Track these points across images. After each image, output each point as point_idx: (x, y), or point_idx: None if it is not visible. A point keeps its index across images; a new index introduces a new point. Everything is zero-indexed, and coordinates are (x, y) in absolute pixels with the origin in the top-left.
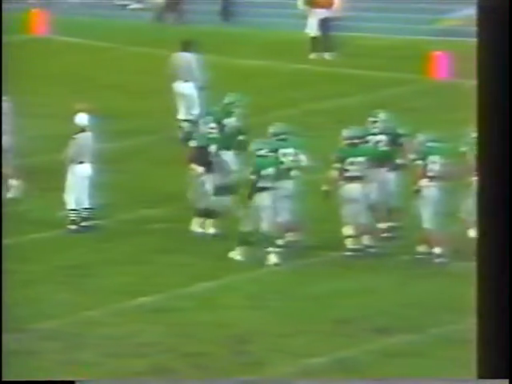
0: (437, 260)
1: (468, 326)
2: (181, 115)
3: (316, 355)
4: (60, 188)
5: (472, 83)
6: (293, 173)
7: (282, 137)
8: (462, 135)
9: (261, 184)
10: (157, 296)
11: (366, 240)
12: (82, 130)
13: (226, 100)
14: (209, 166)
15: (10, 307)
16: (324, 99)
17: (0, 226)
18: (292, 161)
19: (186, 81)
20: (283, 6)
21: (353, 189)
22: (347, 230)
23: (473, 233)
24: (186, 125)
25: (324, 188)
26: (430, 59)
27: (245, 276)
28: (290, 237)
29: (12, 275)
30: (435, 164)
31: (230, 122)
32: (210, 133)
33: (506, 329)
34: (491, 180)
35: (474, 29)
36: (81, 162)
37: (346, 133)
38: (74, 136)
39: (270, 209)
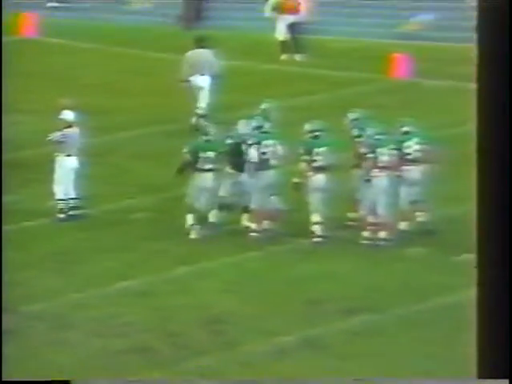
0: (381, 243)
1: (423, 307)
2: (198, 106)
3: (287, 334)
4: (47, 180)
5: (429, 82)
6: (272, 163)
7: (264, 129)
8: (417, 129)
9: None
10: (138, 280)
11: (331, 227)
12: (69, 125)
13: (263, 106)
14: (242, 166)
15: (1, 290)
16: (294, 97)
17: (0, 226)
18: (271, 152)
19: (203, 74)
20: (254, 10)
21: (319, 179)
22: (314, 218)
23: (420, 217)
24: (201, 115)
25: (295, 180)
26: (391, 60)
27: (221, 261)
28: (267, 225)
29: (4, 261)
30: (384, 155)
31: (267, 126)
32: (248, 135)
33: (506, 329)
34: (491, 179)
35: (430, 33)
36: (68, 155)
37: (308, 126)
38: (61, 130)
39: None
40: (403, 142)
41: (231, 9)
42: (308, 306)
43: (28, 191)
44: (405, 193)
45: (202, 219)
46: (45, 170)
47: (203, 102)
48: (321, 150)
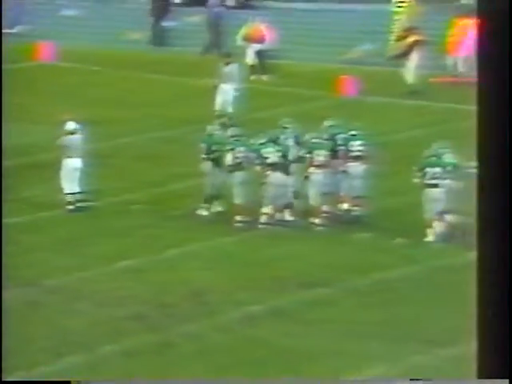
0: (318, 229)
1: (366, 281)
2: (219, 109)
3: (257, 304)
4: (59, 178)
5: (371, 99)
6: (243, 165)
7: (237, 138)
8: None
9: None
10: (135, 260)
11: (284, 215)
12: (71, 133)
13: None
14: (287, 171)
15: (20, 268)
16: (262, 110)
17: (0, 224)
18: (243, 156)
19: (230, 84)
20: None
21: (273, 176)
22: (265, 209)
23: (347, 206)
24: (222, 117)
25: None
26: (339, 81)
27: (204, 245)
28: (245, 215)
29: (22, 245)
30: (320, 156)
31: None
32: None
33: (506, 329)
34: (491, 177)
35: (370, 59)
36: (70, 157)
37: (230, 131)
38: (64, 137)
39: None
40: (349, 141)
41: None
42: (274, 281)
43: (44, 187)
44: (348, 185)
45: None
46: (57, 170)
47: (227, 106)
48: (269, 150)
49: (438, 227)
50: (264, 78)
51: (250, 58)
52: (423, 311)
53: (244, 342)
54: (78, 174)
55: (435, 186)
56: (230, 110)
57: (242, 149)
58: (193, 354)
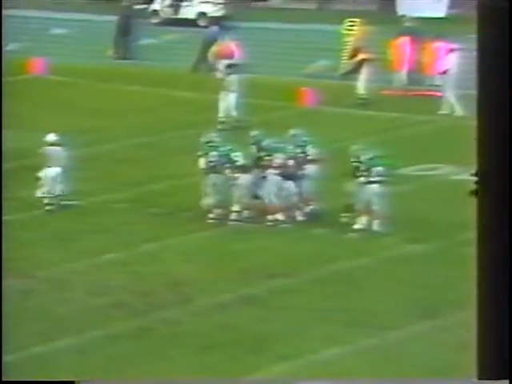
0: (282, 225)
1: (323, 271)
2: (221, 115)
3: (227, 292)
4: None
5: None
6: (217, 168)
7: (211, 144)
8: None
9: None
10: (118, 253)
11: (247, 213)
12: (52, 144)
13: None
14: (293, 177)
15: (14, 262)
16: (232, 118)
17: (0, 223)
18: (216, 160)
19: (232, 92)
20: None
21: (242, 178)
22: (235, 207)
23: (315, 205)
24: (225, 122)
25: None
26: (300, 93)
27: (180, 239)
28: (218, 212)
29: (18, 240)
30: (278, 158)
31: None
32: (296, 152)
33: (506, 329)
34: (491, 175)
35: (326, 74)
36: (49, 166)
37: (204, 138)
38: (46, 147)
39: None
40: (306, 146)
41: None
42: (243, 272)
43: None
44: (303, 186)
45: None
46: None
47: (232, 111)
48: (237, 154)
49: (368, 218)
50: None
51: (221, 72)
52: (375, 299)
53: (216, 326)
54: (57, 181)
55: (377, 182)
56: (233, 114)
57: (214, 153)
58: (170, 337)
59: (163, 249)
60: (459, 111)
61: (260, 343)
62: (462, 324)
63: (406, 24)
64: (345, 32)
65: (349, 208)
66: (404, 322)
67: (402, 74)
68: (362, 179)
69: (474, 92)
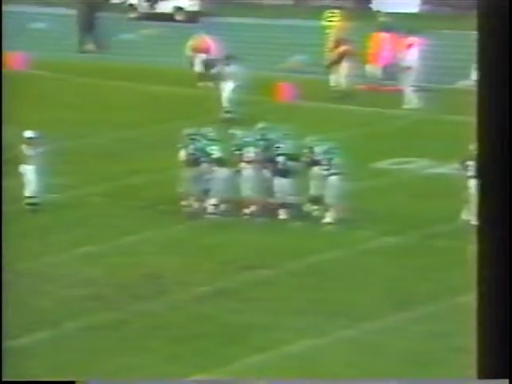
0: (258, 219)
1: (300, 264)
2: (224, 104)
3: (204, 285)
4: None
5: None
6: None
7: (193, 137)
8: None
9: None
10: (95, 246)
11: (224, 206)
12: (29, 141)
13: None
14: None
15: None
16: (209, 113)
17: (0, 223)
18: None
19: (231, 82)
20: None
21: (218, 172)
22: (211, 201)
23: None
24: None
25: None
26: (277, 88)
27: (157, 232)
28: (195, 205)
29: None
30: (250, 153)
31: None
32: (278, 147)
33: (506, 329)
34: (491, 173)
35: (303, 69)
36: (25, 163)
37: (186, 131)
38: (23, 145)
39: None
40: (273, 141)
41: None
42: (219, 264)
43: (14, 182)
44: (283, 181)
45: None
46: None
47: (231, 101)
48: (215, 148)
49: (333, 211)
50: (210, 84)
51: (197, 66)
52: (350, 290)
53: (193, 318)
54: (32, 178)
55: (335, 174)
56: (233, 105)
57: (192, 146)
58: (147, 329)
59: (141, 242)
60: (421, 105)
61: (236, 335)
62: (435, 315)
63: (381, 19)
64: (325, 24)
65: (317, 200)
66: (379, 313)
67: (377, 69)
68: (322, 172)
69: (438, 86)
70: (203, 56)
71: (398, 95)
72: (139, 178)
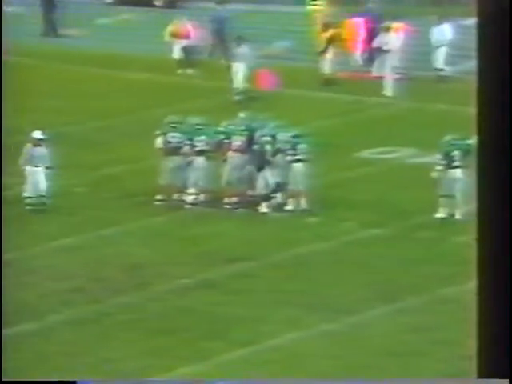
0: (239, 210)
1: (284, 256)
2: (235, 84)
3: (185, 277)
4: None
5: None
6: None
7: (173, 125)
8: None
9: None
10: (77, 238)
11: (203, 197)
12: (37, 144)
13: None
14: (263, 164)
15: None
16: (186, 100)
17: (0, 223)
18: (176, 142)
19: (242, 63)
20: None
21: (198, 161)
22: (189, 189)
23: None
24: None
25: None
26: (259, 75)
27: (138, 223)
28: (177, 196)
29: None
30: (237, 140)
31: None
32: (267, 141)
33: (506, 329)
34: (491, 171)
35: (286, 55)
36: (36, 166)
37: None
38: (30, 147)
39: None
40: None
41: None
42: (201, 256)
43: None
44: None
45: None
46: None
47: (241, 81)
48: (201, 138)
49: (297, 199)
50: (190, 71)
51: (177, 53)
52: (334, 282)
53: (175, 311)
54: (40, 180)
55: (302, 160)
56: (244, 85)
57: (175, 134)
58: (127, 322)
59: (121, 233)
60: (404, 93)
61: (218, 328)
62: (419, 307)
63: (370, 5)
64: (310, 9)
65: (280, 187)
66: (363, 305)
67: (357, 56)
68: (287, 158)
69: (421, 73)
70: (183, 42)
71: (381, 83)
72: (119, 167)
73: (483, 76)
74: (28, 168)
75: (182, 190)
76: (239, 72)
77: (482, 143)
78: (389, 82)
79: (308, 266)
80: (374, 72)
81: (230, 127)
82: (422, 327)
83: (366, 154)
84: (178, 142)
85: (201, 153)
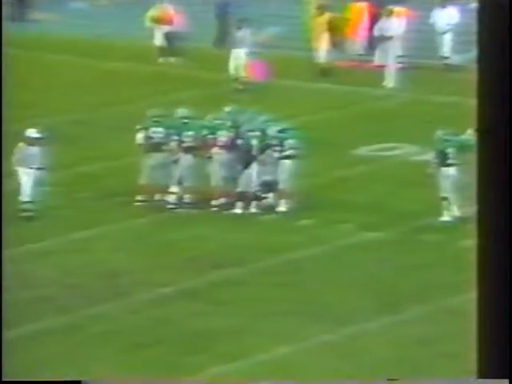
0: (226, 212)
1: (275, 261)
2: (232, 72)
3: (167, 285)
4: None
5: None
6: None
7: (156, 119)
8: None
9: None
10: (46, 242)
11: (187, 198)
12: (32, 143)
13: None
14: (250, 162)
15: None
16: (168, 92)
17: (0, 225)
18: (160, 137)
19: (242, 48)
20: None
21: (184, 158)
22: (173, 189)
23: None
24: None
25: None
26: (249, 65)
27: (114, 226)
28: (159, 196)
29: None
30: (224, 136)
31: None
32: (254, 136)
33: (506, 329)
34: (491, 169)
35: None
36: (28, 167)
37: (150, 112)
38: (23, 146)
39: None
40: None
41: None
42: (185, 262)
43: None
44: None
45: None
46: None
47: (239, 70)
48: (189, 133)
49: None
50: (172, 60)
51: (158, 39)
52: (329, 291)
53: (154, 322)
54: (36, 184)
55: (289, 157)
56: (242, 74)
57: (159, 129)
58: (102, 335)
59: (96, 237)
60: (406, 84)
61: (203, 341)
62: (423, 318)
63: None
64: None
65: (268, 186)
66: (362, 315)
67: (357, 43)
68: (276, 154)
69: (425, 62)
70: (165, 28)
71: (381, 73)
72: (95, 165)
73: (483, 66)
74: (21, 170)
75: (165, 189)
76: (238, 59)
77: (482, 136)
78: (391, 72)
79: (301, 273)
80: (375, 61)
81: (216, 122)
82: (426, 339)
83: (364, 150)
84: (161, 138)
85: (189, 149)
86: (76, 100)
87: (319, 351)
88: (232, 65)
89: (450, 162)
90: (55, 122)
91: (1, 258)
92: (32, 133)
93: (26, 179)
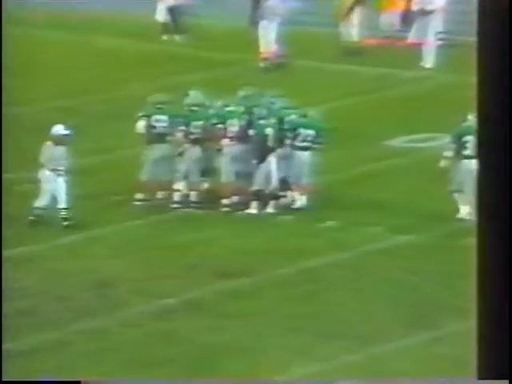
0: (238, 213)
1: (291, 270)
2: (262, 48)
3: (168, 297)
4: None
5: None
6: (167, 138)
7: (159, 106)
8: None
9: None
10: (31, 247)
11: (194, 196)
12: (58, 142)
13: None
14: (266, 155)
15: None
16: (173, 74)
17: (0, 228)
18: (164, 126)
19: (271, 19)
20: None
21: (191, 151)
22: (178, 186)
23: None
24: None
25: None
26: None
27: (109, 229)
28: (161, 194)
29: None
30: (234, 126)
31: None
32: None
33: (506, 329)
34: (491, 167)
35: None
36: (51, 170)
37: (152, 98)
38: (50, 147)
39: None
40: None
41: None
42: (188, 269)
43: None
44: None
45: None
46: None
47: (270, 45)
48: (198, 123)
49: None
50: (177, 38)
51: (161, 14)
52: (353, 303)
53: (155, 338)
54: (61, 189)
55: (306, 149)
56: (273, 48)
57: (163, 117)
58: (94, 352)
59: (88, 241)
60: (446, 65)
61: (208, 359)
62: (460, 334)
63: None
64: None
65: (286, 184)
66: (390, 332)
67: (393, 18)
68: (296, 146)
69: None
70: (169, 2)
71: (418, 51)
72: (88, 158)
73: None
74: (45, 172)
75: (169, 186)
76: (266, 31)
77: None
78: (430, 50)
79: (321, 283)
80: (411, 38)
81: (228, 109)
82: (467, 361)
83: (395, 142)
84: (165, 127)
85: (196, 141)
86: (65, 84)
87: (341, 373)
88: (262, 39)
89: (468, 153)
90: (39, 109)
91: (1, 260)
92: (60, 130)
93: (52, 184)
